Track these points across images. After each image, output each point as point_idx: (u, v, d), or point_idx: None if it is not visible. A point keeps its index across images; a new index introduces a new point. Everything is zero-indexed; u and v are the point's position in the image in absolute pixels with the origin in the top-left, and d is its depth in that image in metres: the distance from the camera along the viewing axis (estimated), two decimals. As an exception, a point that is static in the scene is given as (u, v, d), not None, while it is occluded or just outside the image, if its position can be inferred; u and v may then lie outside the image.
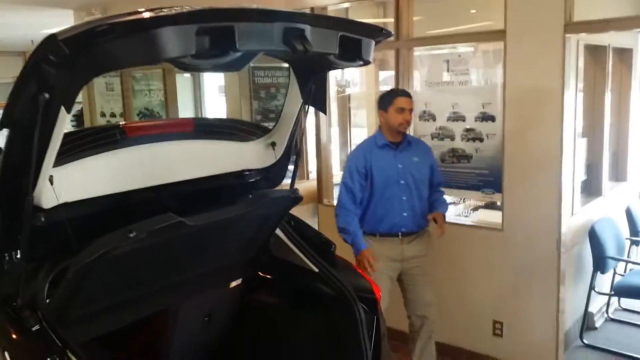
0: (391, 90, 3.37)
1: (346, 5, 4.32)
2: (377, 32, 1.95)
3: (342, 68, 2.22)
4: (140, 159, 2.07)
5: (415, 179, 3.17)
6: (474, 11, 4.44)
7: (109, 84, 6.49)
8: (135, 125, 2.41)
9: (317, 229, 3.01)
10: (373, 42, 1.96)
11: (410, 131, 3.80)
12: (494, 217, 3.73)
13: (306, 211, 4.40)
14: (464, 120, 3.67)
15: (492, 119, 3.53)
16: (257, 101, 5.26)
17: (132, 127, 2.22)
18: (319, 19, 1.76)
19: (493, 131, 3.53)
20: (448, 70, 3.71)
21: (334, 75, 4.77)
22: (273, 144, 2.45)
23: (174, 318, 2.38)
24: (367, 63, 1.98)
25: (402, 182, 3.15)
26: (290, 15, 1.63)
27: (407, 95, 3.21)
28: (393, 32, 3.82)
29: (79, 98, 7.72)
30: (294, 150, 2.49)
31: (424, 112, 3.83)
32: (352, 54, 1.89)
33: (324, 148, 4.41)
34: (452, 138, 3.73)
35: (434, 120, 3.79)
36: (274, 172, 2.51)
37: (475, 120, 3.61)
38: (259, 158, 2.45)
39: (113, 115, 6.54)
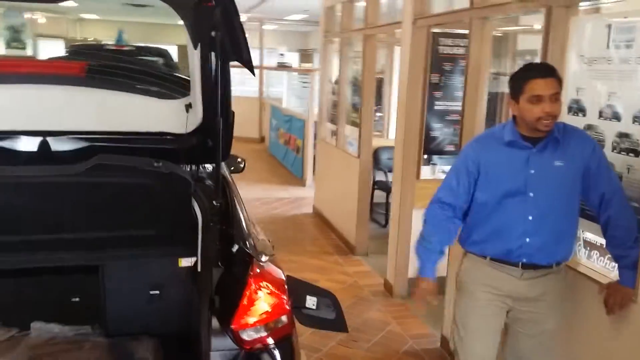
0: (523, 67, 2.30)
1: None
2: None
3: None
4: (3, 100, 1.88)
5: (552, 193, 2.20)
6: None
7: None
8: (4, 61, 2.19)
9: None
10: None
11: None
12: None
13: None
14: (618, 120, 2.37)
15: (655, 121, 2.18)
16: (439, 74, 4.44)
17: None
18: None
19: (655, 142, 2.18)
20: (609, 42, 2.42)
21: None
22: (189, 107, 1.96)
23: (102, 278, 2.30)
24: None
25: (531, 194, 2.20)
26: None
27: (548, 74, 2.14)
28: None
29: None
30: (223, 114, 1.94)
31: (575, 102, 2.61)
32: None
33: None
34: (602, 145, 2.45)
35: (584, 115, 2.56)
36: (199, 142, 2.02)
37: (634, 122, 2.29)
38: (177, 121, 1.99)
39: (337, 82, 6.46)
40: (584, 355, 2.44)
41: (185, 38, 1.86)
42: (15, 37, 12.17)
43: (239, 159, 4.10)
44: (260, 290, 1.86)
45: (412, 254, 4.34)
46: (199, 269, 1.90)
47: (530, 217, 2.21)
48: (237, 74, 8.66)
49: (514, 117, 2.26)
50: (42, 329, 2.40)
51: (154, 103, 2.02)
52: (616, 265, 2.25)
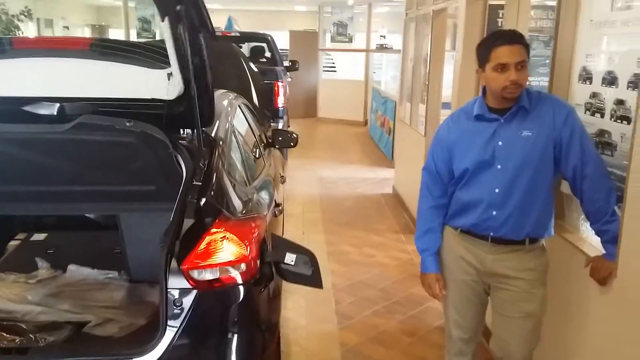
0: (490, 34, 2.28)
1: None
2: None
3: None
4: (24, 70, 2.20)
5: (520, 165, 2.14)
6: None
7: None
8: (25, 39, 2.48)
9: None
10: None
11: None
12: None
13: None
14: (616, 86, 2.23)
15: (644, 85, 2.04)
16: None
17: (20, 40, 2.34)
18: None
19: (644, 107, 2.04)
20: (612, 4, 2.28)
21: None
22: (170, 75, 2.17)
23: (121, 229, 2.70)
24: None
25: (499, 166, 2.16)
26: None
27: (513, 40, 2.08)
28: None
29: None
30: (200, 85, 2.13)
31: (584, 69, 2.48)
32: None
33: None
34: (602, 114, 2.32)
35: (591, 82, 2.43)
36: (185, 108, 2.22)
37: (628, 87, 2.15)
38: (164, 89, 2.21)
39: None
40: (581, 339, 2.35)
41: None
42: (145, 27, 13.21)
43: (294, 135, 4.29)
44: (221, 239, 2.05)
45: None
46: (171, 218, 2.10)
47: (496, 190, 2.17)
48: (347, 58, 9.07)
49: (484, 88, 2.22)
50: (76, 271, 2.81)
51: (145, 72, 2.25)
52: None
